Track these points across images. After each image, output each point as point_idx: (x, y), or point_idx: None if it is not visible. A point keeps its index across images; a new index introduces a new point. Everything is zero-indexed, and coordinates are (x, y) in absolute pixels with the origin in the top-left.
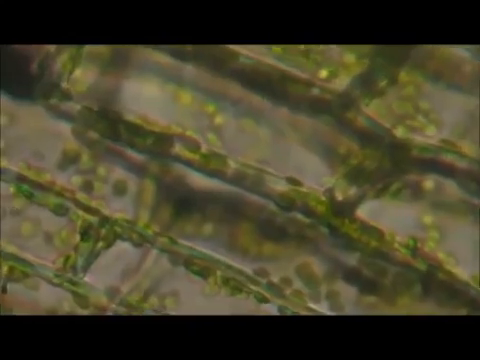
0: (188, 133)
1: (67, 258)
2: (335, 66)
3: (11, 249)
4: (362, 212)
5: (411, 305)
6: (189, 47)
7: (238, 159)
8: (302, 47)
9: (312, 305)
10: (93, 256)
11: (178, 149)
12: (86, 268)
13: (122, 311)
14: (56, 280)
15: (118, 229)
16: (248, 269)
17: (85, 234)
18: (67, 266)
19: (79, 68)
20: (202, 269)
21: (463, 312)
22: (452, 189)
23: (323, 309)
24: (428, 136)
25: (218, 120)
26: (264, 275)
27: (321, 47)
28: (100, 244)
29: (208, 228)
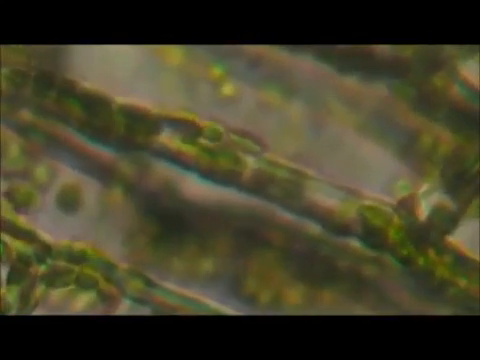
0: (179, 113)
1: None
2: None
3: None
4: (459, 238)
5: None
6: None
7: (260, 154)
8: None
9: None
10: (28, 308)
11: (164, 138)
12: None
13: None
14: None
15: (68, 266)
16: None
17: (14, 273)
18: None
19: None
20: None
21: None
22: None
23: None
24: None
25: (227, 90)
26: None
27: None
28: (39, 290)
29: (210, 264)
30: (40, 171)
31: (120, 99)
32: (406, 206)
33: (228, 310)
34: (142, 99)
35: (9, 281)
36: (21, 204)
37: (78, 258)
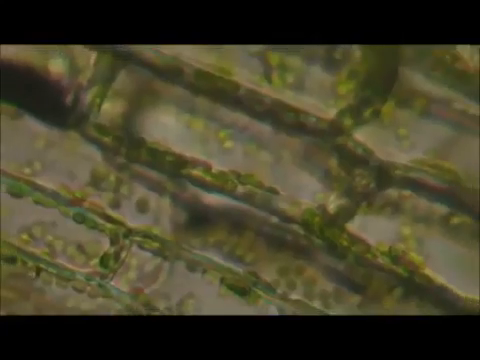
0: (201, 155)
1: (102, 260)
2: (328, 98)
3: (44, 254)
4: (352, 225)
5: (394, 305)
6: (201, 81)
7: (245, 179)
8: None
9: (308, 302)
10: (119, 263)
11: (195, 171)
12: (113, 273)
13: (144, 311)
14: (87, 282)
15: (140, 239)
16: (257, 274)
17: (113, 242)
18: (102, 266)
19: (107, 102)
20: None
21: (439, 312)
22: (426, 204)
23: (316, 306)
24: (406, 159)
25: (228, 145)
26: (264, 277)
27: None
28: (125, 253)
29: (219, 241)
30: (125, 190)
31: (170, 149)
32: (322, 208)
33: (230, 265)
34: (182, 149)
35: (112, 244)
36: (113, 205)
37: (146, 236)
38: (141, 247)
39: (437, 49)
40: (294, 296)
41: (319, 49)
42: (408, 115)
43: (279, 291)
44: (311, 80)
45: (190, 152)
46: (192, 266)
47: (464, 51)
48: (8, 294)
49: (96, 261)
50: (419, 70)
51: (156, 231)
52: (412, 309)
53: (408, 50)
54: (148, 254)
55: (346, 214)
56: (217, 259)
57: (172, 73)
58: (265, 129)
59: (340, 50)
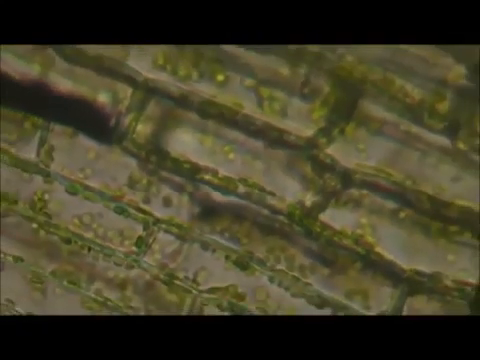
0: (210, 164)
1: (137, 242)
2: (305, 122)
3: (90, 236)
4: (323, 216)
5: (355, 276)
6: (212, 109)
7: (244, 182)
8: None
9: (289, 272)
10: (149, 244)
11: (206, 176)
12: (145, 252)
13: (168, 280)
14: (125, 258)
15: (165, 227)
16: (252, 252)
17: (145, 228)
18: (137, 246)
19: (140, 124)
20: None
21: (389, 282)
22: (379, 201)
23: (295, 275)
24: (364, 166)
25: (231, 156)
26: (258, 254)
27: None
28: (153, 236)
29: (225, 228)
30: (153, 187)
31: (188, 159)
32: (301, 203)
33: (232, 245)
34: (197, 160)
35: (144, 229)
36: (145, 201)
37: (170, 224)
38: (166, 232)
39: (393, 88)
40: (279, 267)
41: (298, 85)
42: (365, 134)
43: (268, 265)
44: (292, 108)
45: (203, 162)
46: (204, 246)
47: (409, 88)
48: (68, 267)
49: (132, 242)
50: (375, 101)
51: (177, 220)
52: (368, 279)
53: (368, 87)
54: (171, 237)
55: (319, 208)
56: (222, 241)
57: (188, 103)
58: (258, 145)
59: (312, 87)
